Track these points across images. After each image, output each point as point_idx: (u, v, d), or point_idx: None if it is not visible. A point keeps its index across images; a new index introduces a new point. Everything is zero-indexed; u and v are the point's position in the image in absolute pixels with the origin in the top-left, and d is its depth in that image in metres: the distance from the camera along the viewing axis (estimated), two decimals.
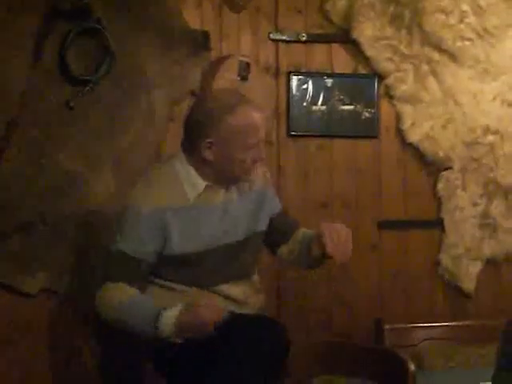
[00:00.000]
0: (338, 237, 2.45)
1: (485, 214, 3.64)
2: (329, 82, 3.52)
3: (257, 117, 2.48)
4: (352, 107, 3.55)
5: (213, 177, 2.51)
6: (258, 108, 2.52)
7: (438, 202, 3.63)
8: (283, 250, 2.75)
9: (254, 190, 2.64)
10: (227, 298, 2.55)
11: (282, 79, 3.47)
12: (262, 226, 2.67)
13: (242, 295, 2.59)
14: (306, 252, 2.62)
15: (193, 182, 2.50)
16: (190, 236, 2.49)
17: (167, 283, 2.54)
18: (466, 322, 3.55)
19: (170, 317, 2.35)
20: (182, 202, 2.48)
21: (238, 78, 3.28)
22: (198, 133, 2.46)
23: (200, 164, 2.49)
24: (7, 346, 2.95)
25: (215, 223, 2.53)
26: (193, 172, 2.50)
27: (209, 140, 2.44)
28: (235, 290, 2.57)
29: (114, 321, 2.47)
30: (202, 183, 2.50)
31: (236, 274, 2.57)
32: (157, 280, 2.55)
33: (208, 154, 2.46)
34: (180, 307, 2.36)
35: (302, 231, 2.76)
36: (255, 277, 2.68)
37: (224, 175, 2.51)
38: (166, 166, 2.58)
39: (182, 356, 2.45)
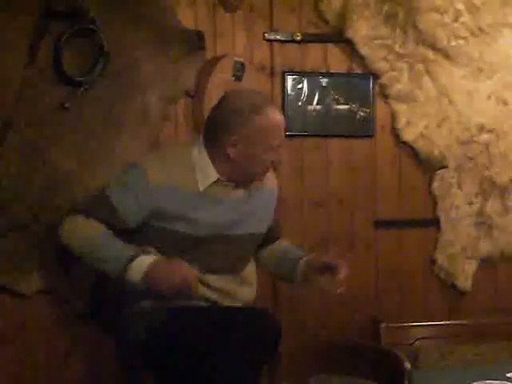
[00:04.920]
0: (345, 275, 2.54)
1: (480, 213, 3.64)
2: (324, 81, 3.52)
3: (281, 119, 2.55)
4: (347, 106, 3.55)
5: (228, 173, 2.53)
6: (279, 110, 2.58)
7: (434, 200, 3.64)
8: (263, 252, 2.79)
9: (262, 189, 2.65)
10: (211, 288, 2.54)
11: (277, 79, 3.47)
12: (264, 227, 2.69)
13: (227, 288, 2.58)
14: (289, 266, 2.68)
15: (206, 172, 2.51)
16: (190, 219, 2.48)
17: None
18: (462, 321, 3.55)
19: (144, 261, 2.37)
20: (190, 188, 2.49)
21: (233, 78, 3.28)
22: (224, 129, 2.49)
23: (219, 158, 2.51)
24: (2, 347, 2.94)
25: (218, 213, 2.53)
26: (209, 162, 2.52)
27: (234, 138, 2.47)
28: (220, 282, 2.56)
29: (82, 251, 2.47)
30: (214, 175, 2.51)
31: (225, 267, 2.57)
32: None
33: (232, 152, 2.49)
34: (155, 257, 2.39)
35: (284, 244, 2.81)
36: (245, 270, 2.67)
37: (242, 173, 2.54)
38: (183, 148, 2.61)
39: (170, 354, 2.44)
